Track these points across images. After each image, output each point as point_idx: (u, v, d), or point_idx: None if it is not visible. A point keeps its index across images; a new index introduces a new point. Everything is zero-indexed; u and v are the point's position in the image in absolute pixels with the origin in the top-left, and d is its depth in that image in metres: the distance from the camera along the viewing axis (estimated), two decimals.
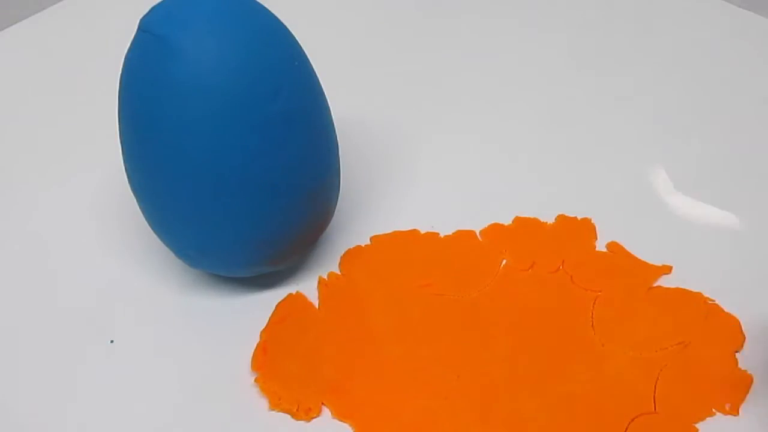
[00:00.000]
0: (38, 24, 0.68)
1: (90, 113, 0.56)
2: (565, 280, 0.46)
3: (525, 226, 0.49)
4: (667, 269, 0.46)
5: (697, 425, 0.39)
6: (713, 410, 0.39)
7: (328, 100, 0.43)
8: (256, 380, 0.41)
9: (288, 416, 0.40)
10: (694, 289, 0.44)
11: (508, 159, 0.54)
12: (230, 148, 0.38)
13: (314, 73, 0.42)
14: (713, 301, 0.44)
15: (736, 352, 0.42)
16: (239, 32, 0.38)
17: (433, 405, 0.40)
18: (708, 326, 0.43)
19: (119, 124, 0.41)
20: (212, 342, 0.44)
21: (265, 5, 0.40)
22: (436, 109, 0.58)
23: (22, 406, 0.41)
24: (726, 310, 0.43)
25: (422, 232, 0.49)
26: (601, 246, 0.47)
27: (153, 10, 0.39)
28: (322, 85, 0.43)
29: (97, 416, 0.41)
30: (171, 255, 0.45)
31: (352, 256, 0.48)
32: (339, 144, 0.45)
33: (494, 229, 0.49)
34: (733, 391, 0.40)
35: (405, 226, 0.49)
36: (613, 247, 0.47)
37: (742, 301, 0.44)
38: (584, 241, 0.48)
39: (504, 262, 0.47)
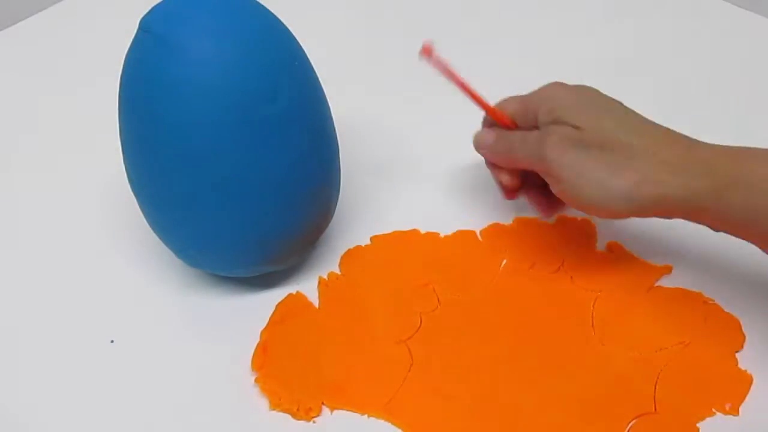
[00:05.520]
0: (38, 24, 0.68)
1: (90, 113, 0.56)
2: (565, 280, 0.46)
3: (525, 226, 0.49)
4: (667, 269, 0.46)
5: (698, 425, 0.39)
6: (713, 410, 0.39)
7: (328, 100, 0.43)
8: (256, 380, 0.41)
9: (288, 416, 0.40)
10: (694, 289, 0.45)
11: None
12: (230, 148, 0.38)
13: (314, 73, 0.42)
14: (713, 301, 0.44)
15: (736, 352, 0.42)
16: (239, 32, 0.38)
17: (434, 404, 0.40)
18: (708, 326, 0.43)
19: (119, 124, 0.41)
20: (212, 342, 0.44)
21: (265, 5, 0.41)
22: (436, 109, 0.58)
23: (22, 406, 0.41)
24: (726, 310, 0.44)
25: (422, 232, 0.49)
26: (601, 246, 0.47)
27: (153, 9, 0.39)
28: (322, 85, 0.43)
29: (97, 416, 0.41)
30: (171, 255, 0.45)
31: (352, 256, 0.48)
32: (339, 144, 0.45)
33: (494, 229, 0.49)
34: (733, 391, 0.40)
35: (405, 226, 0.49)
36: (613, 247, 0.47)
37: (742, 301, 0.44)
38: (584, 241, 0.48)
39: (504, 262, 0.47)
